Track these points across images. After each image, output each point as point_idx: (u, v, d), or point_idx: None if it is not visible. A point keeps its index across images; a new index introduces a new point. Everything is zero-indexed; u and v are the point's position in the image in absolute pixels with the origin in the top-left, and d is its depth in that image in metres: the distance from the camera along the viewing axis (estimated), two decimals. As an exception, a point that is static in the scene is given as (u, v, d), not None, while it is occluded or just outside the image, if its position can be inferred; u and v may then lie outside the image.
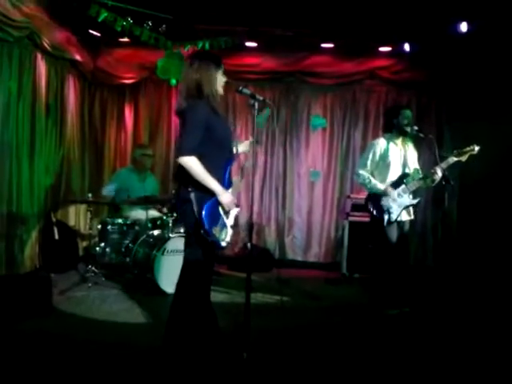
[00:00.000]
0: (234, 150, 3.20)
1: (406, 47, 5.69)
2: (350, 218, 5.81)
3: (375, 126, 6.28)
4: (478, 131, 4.89)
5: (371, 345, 3.54)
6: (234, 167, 3.14)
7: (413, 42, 5.63)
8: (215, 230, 2.81)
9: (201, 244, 2.86)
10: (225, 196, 2.84)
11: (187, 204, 2.83)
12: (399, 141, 4.29)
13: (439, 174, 4.07)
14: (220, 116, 2.95)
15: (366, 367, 3.13)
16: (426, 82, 6.13)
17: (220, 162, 2.91)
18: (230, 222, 2.96)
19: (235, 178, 3.04)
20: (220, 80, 2.96)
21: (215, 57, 2.98)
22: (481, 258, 5.33)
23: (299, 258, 6.53)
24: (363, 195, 5.88)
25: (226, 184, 2.91)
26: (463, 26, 4.94)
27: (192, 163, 2.76)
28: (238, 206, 3.08)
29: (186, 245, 3.04)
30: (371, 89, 6.42)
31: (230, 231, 2.95)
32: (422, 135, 4.23)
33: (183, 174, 2.83)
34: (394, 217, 4.16)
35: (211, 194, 2.81)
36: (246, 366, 2.88)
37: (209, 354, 2.99)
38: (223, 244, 2.88)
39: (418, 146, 4.49)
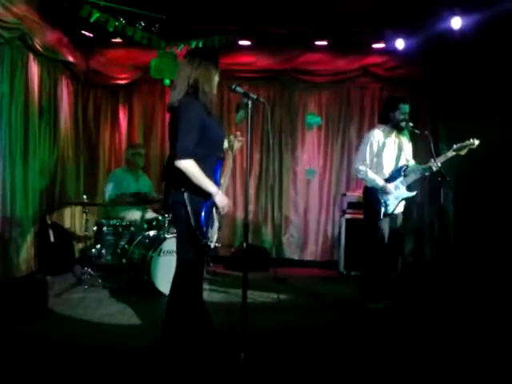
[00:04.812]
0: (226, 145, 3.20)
1: (400, 44, 5.67)
2: (347, 216, 5.80)
3: (370, 123, 6.27)
4: (473, 128, 4.89)
5: (368, 343, 3.54)
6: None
7: (406, 39, 5.62)
8: (209, 233, 2.81)
9: (193, 245, 2.84)
10: (220, 198, 2.81)
11: (179, 205, 2.80)
12: (394, 133, 4.30)
13: (437, 165, 4.10)
14: (213, 116, 2.93)
15: (362, 366, 3.12)
16: (420, 78, 6.14)
17: (212, 162, 2.88)
18: (217, 224, 2.93)
19: (222, 180, 3.01)
20: (216, 80, 2.94)
21: (216, 57, 2.95)
22: (477, 252, 5.34)
23: (296, 257, 6.52)
24: (359, 193, 5.93)
25: (217, 184, 2.89)
26: (456, 22, 4.92)
27: (191, 166, 2.70)
28: None
29: (178, 246, 3.00)
30: (365, 86, 6.42)
31: (216, 233, 2.92)
32: (417, 131, 4.26)
33: (175, 175, 2.77)
34: (390, 209, 4.22)
35: (205, 195, 2.77)
36: (244, 366, 2.86)
37: (205, 354, 2.98)
38: (212, 245, 2.87)
39: (413, 141, 4.50)
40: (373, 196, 4.26)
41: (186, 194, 2.76)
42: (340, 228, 5.94)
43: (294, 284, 5.29)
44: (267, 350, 3.27)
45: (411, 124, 4.24)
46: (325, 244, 6.49)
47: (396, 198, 4.22)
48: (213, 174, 2.87)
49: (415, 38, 5.53)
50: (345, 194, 6.00)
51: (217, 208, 2.85)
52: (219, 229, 2.95)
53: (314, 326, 3.90)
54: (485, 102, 5.45)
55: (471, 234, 5.59)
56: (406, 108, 4.27)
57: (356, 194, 5.89)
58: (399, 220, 4.38)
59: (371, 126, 6.16)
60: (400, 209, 4.35)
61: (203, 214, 2.74)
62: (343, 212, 5.87)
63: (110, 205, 5.23)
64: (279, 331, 3.67)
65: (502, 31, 4.85)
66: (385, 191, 4.19)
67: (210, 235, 2.80)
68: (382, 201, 4.20)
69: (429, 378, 2.96)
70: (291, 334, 3.63)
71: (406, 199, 4.34)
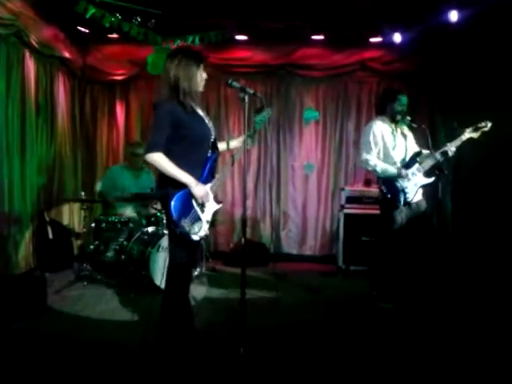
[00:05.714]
0: (224, 146, 3.22)
1: (397, 37, 5.66)
2: (345, 210, 5.79)
3: (368, 117, 6.25)
4: (471, 121, 4.88)
5: (367, 338, 3.55)
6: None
7: (403, 32, 5.60)
8: (184, 222, 2.79)
9: (173, 237, 2.87)
10: (197, 188, 2.82)
11: (165, 199, 2.84)
12: (394, 124, 4.29)
13: (453, 149, 4.09)
14: (196, 114, 2.93)
15: (361, 361, 3.13)
16: (417, 71, 6.12)
17: (196, 159, 2.89)
18: (206, 216, 2.92)
19: (218, 175, 3.02)
20: (200, 77, 2.94)
21: (197, 54, 2.96)
22: (475, 246, 5.34)
23: (295, 252, 6.53)
24: (357, 187, 5.94)
25: (204, 179, 2.89)
26: (453, 15, 4.92)
27: (158, 159, 2.77)
28: (220, 202, 3.07)
29: (169, 240, 3.04)
30: (363, 80, 6.40)
31: (205, 226, 2.91)
32: (414, 125, 4.25)
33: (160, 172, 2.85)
34: (410, 197, 4.13)
35: (185, 187, 2.81)
36: (243, 360, 2.87)
37: (194, 349, 3.00)
38: (195, 238, 2.86)
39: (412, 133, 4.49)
40: (391, 184, 4.15)
41: (168, 188, 2.81)
42: (338, 222, 5.93)
43: (292, 279, 5.30)
44: (266, 345, 3.27)
45: (408, 118, 4.22)
46: (323, 238, 6.50)
47: (415, 185, 4.14)
48: (199, 169, 2.89)
49: (412, 31, 5.51)
50: (343, 189, 5.99)
51: (196, 199, 2.85)
52: (207, 222, 2.95)
53: (313, 321, 3.91)
54: (482, 94, 5.44)
55: (469, 228, 5.59)
56: (404, 99, 4.25)
57: (355, 189, 5.89)
58: (423, 206, 4.27)
59: (369, 120, 6.05)
60: (419, 196, 4.25)
61: (172, 202, 2.76)
62: (342, 206, 5.86)
63: (99, 199, 5.32)
64: (278, 326, 3.68)
65: (497, 23, 4.85)
66: (401, 176, 4.11)
67: (183, 225, 2.78)
68: (401, 188, 4.11)
69: (429, 373, 2.97)
70: (290, 329, 3.64)
71: (425, 186, 4.26)
